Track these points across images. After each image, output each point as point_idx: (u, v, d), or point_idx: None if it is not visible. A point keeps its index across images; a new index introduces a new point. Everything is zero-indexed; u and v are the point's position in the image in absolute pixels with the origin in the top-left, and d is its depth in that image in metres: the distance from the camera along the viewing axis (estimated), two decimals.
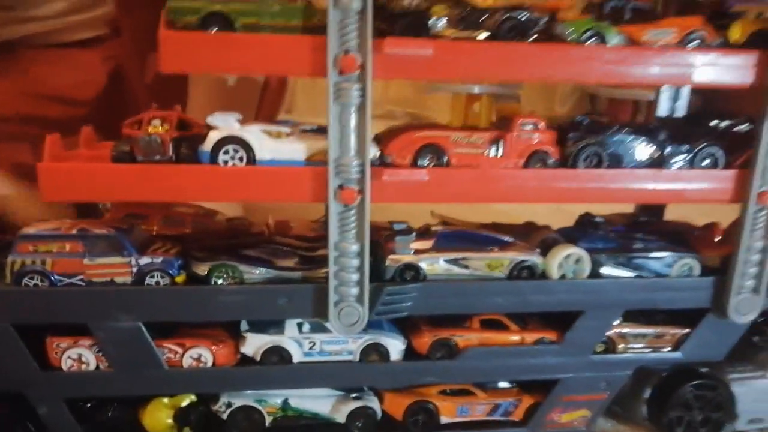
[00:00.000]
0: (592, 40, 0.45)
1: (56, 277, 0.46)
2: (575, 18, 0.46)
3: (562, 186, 0.47)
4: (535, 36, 0.45)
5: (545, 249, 0.50)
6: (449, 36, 0.44)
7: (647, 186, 0.47)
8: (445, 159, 0.46)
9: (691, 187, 0.48)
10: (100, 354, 0.47)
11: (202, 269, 0.47)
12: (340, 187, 0.42)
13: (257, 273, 0.47)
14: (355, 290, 0.45)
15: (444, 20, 0.44)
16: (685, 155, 0.48)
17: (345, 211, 0.43)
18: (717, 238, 0.55)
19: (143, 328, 0.46)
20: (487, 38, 0.44)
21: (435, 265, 0.49)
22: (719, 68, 0.45)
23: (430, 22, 0.43)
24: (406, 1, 0.43)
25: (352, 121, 0.41)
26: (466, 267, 0.49)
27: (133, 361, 0.46)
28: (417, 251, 0.49)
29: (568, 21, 0.46)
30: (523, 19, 0.44)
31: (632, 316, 0.53)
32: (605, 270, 0.50)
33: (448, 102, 0.62)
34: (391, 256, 0.48)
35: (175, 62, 0.41)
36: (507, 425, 0.53)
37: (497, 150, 0.46)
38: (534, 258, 0.49)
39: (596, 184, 0.47)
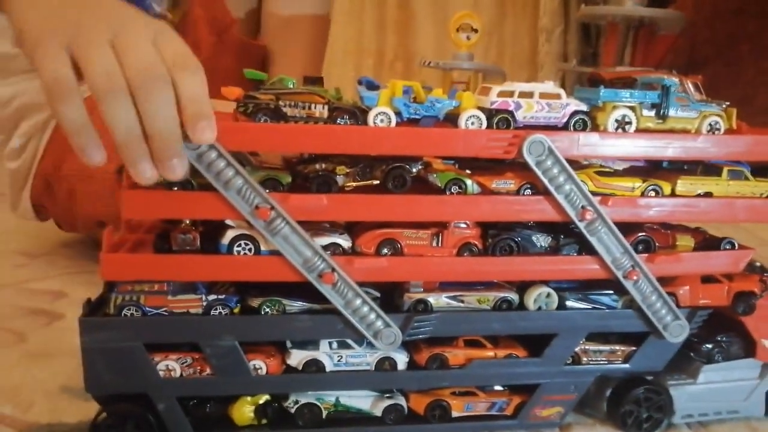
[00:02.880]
0: (454, 187, 0.61)
1: (147, 309, 0.60)
2: (442, 169, 0.64)
3: (484, 268, 0.64)
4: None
5: (521, 289, 0.66)
6: (352, 186, 0.60)
7: (538, 267, 0.65)
8: (399, 248, 0.62)
9: (564, 267, 0.65)
10: (185, 365, 0.63)
11: (255, 302, 0.62)
12: (320, 275, 0.59)
13: (296, 305, 0.62)
14: (379, 322, 0.62)
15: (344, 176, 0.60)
16: (573, 245, 0.65)
17: (333, 286, 0.60)
18: None
19: (238, 346, 0.63)
20: (378, 185, 0.61)
21: (439, 300, 0.64)
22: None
23: (337, 178, 0.60)
24: (317, 165, 0.60)
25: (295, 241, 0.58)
26: (462, 302, 0.65)
27: (229, 369, 0.63)
28: (425, 290, 0.65)
29: (438, 172, 0.63)
30: (403, 170, 0.60)
31: (592, 336, 0.68)
32: (569, 303, 0.66)
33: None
34: (407, 294, 0.64)
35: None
36: (501, 418, 0.69)
37: (438, 242, 0.63)
38: (512, 295, 0.65)
39: (506, 267, 0.64)
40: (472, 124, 0.59)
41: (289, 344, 0.65)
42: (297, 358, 0.64)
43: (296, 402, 0.65)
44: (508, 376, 0.68)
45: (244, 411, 0.65)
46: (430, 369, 0.66)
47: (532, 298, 0.65)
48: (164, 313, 0.60)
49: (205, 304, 0.61)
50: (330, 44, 1.50)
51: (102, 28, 0.51)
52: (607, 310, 0.67)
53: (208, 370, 0.62)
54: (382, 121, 0.58)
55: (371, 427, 0.66)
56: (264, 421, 0.65)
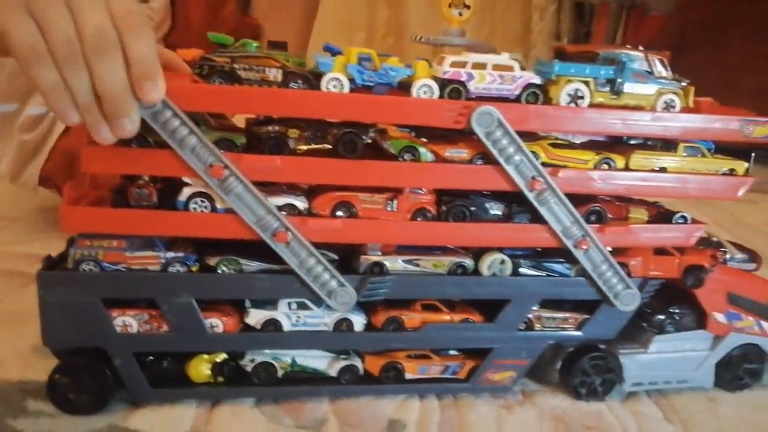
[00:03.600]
0: (407, 155, 0.63)
1: (105, 265, 0.62)
2: (397, 137, 0.65)
3: (436, 233, 0.65)
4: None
5: (476, 255, 0.68)
6: (303, 149, 0.62)
7: (490, 233, 0.66)
8: (354, 211, 0.63)
9: (516, 234, 0.66)
10: (142, 321, 0.63)
11: (212, 261, 0.63)
12: (273, 234, 0.60)
13: (253, 265, 0.64)
14: (333, 282, 0.63)
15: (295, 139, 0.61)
16: (525, 213, 0.66)
17: (286, 245, 0.61)
18: None
19: (194, 303, 0.64)
20: (331, 149, 0.62)
21: (395, 263, 0.66)
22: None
23: (289, 141, 0.61)
24: (270, 127, 0.60)
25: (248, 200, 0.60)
26: (417, 266, 0.66)
27: (185, 326, 0.64)
28: (382, 253, 0.66)
29: (392, 139, 0.64)
30: (354, 135, 0.61)
31: (546, 303, 0.70)
32: (522, 270, 0.67)
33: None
34: (363, 256, 0.66)
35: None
36: (454, 381, 0.70)
37: (392, 206, 0.64)
38: (467, 260, 0.67)
39: (459, 232, 0.65)
40: (424, 93, 0.60)
41: (248, 303, 0.67)
42: (255, 317, 0.66)
43: (252, 361, 0.67)
44: (461, 339, 0.70)
45: (200, 368, 0.66)
46: (387, 331, 0.68)
47: (486, 264, 0.67)
48: (122, 269, 0.62)
49: (163, 261, 0.63)
50: (319, 18, 1.49)
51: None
52: (559, 278, 0.68)
53: (164, 327, 0.63)
54: (335, 86, 0.58)
55: (326, 387, 0.68)
56: (220, 379, 0.66)
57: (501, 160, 0.61)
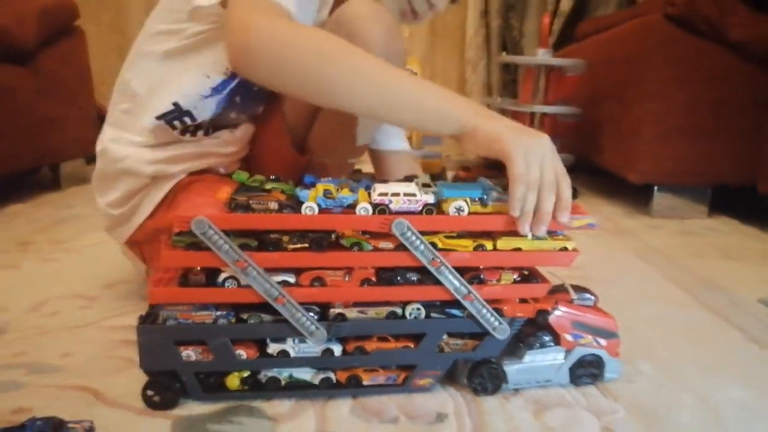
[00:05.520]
0: (356, 247, 0.98)
1: (181, 320, 1.01)
2: (349, 235, 0.98)
3: (376, 293, 1.05)
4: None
5: (403, 305, 1.03)
6: (291, 248, 0.98)
7: (410, 293, 1.05)
8: (325, 282, 1.01)
9: (426, 293, 1.04)
10: (198, 353, 1.03)
11: (244, 316, 1.00)
12: (275, 299, 1.00)
13: (268, 317, 0.98)
14: (312, 327, 1.01)
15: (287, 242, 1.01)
16: (431, 278, 1.02)
17: (283, 306, 1.01)
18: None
19: (229, 342, 1.03)
20: (307, 246, 0.97)
21: (351, 313, 0.99)
22: None
23: (283, 244, 0.98)
24: (271, 236, 0.98)
25: (260, 279, 0.98)
26: (365, 314, 1.00)
27: (224, 356, 1.04)
28: (343, 307, 1.00)
29: (346, 237, 0.98)
30: (321, 238, 0.98)
31: (451, 334, 1.06)
32: (432, 314, 1.01)
33: None
34: (331, 309, 1.00)
35: None
36: (393, 386, 1.06)
37: (348, 278, 1.01)
38: (397, 309, 1.01)
39: (390, 293, 1.04)
40: (364, 211, 0.99)
41: (268, 340, 1.00)
42: (273, 348, 1.00)
43: (265, 375, 1.04)
44: (398, 359, 1.06)
45: (234, 381, 1.00)
46: (353, 355, 1.04)
47: (408, 311, 1.04)
48: (190, 323, 0.97)
49: (214, 317, 1.00)
50: None
51: (537, 152, 0.95)
52: (456, 319, 1.05)
53: (211, 356, 1.03)
54: (309, 210, 0.98)
55: (310, 390, 1.03)
56: (246, 387, 1.00)
57: (411, 249, 1.00)
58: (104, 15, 4.11)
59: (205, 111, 1.22)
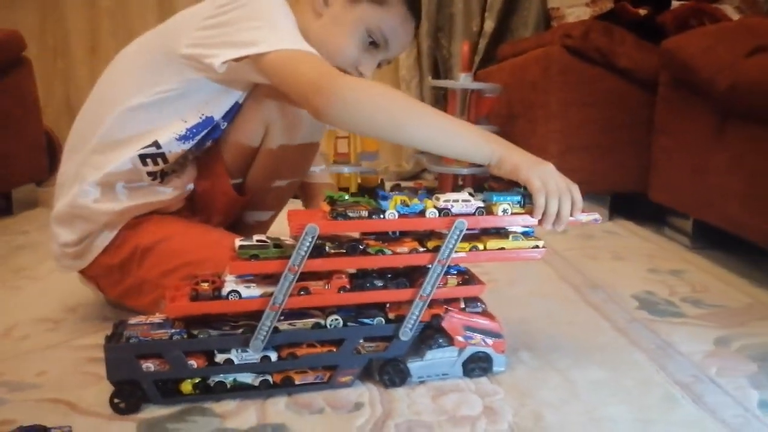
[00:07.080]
0: (379, 252, 1.22)
1: (141, 338, 1.23)
2: (372, 245, 1.21)
3: (350, 297, 1.30)
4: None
5: (326, 316, 1.27)
6: (332, 252, 1.21)
7: (376, 295, 1.31)
8: (309, 290, 1.27)
9: (385, 296, 1.31)
10: (156, 365, 1.25)
11: (195, 331, 1.16)
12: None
13: (214, 333, 1.16)
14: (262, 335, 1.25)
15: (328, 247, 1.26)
16: (402, 280, 1.28)
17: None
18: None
19: (182, 354, 1.26)
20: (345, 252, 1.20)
21: (283, 326, 1.16)
22: None
23: (326, 248, 1.21)
24: (318, 242, 1.18)
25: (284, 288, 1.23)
26: (295, 325, 1.19)
27: (178, 365, 1.26)
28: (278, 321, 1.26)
29: (371, 246, 1.21)
30: (357, 243, 1.20)
31: (366, 338, 1.29)
32: (349, 323, 1.24)
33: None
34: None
35: None
36: (320, 383, 1.20)
37: (328, 286, 1.23)
38: (321, 320, 1.24)
39: (360, 296, 1.28)
40: (432, 214, 1.20)
41: (215, 351, 1.14)
42: (220, 357, 1.13)
43: (213, 381, 1.14)
44: (324, 361, 1.27)
45: (187, 386, 1.12)
46: (287, 360, 1.20)
47: (328, 321, 1.28)
48: (149, 340, 1.12)
49: (169, 334, 1.14)
50: None
51: (547, 173, 1.21)
52: (368, 326, 1.29)
53: (167, 367, 1.16)
54: (392, 215, 1.17)
55: (252, 391, 1.17)
56: (197, 391, 1.12)
57: (446, 243, 1.21)
58: (50, 39, 4.19)
59: (174, 154, 1.39)
